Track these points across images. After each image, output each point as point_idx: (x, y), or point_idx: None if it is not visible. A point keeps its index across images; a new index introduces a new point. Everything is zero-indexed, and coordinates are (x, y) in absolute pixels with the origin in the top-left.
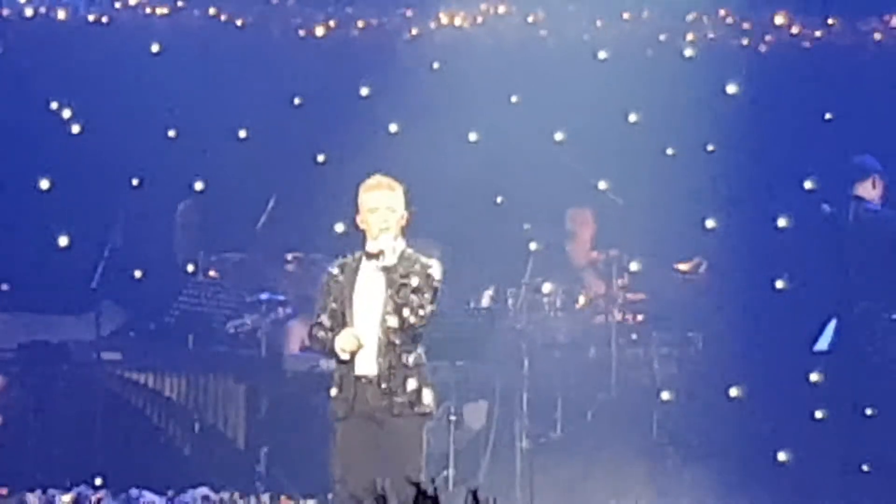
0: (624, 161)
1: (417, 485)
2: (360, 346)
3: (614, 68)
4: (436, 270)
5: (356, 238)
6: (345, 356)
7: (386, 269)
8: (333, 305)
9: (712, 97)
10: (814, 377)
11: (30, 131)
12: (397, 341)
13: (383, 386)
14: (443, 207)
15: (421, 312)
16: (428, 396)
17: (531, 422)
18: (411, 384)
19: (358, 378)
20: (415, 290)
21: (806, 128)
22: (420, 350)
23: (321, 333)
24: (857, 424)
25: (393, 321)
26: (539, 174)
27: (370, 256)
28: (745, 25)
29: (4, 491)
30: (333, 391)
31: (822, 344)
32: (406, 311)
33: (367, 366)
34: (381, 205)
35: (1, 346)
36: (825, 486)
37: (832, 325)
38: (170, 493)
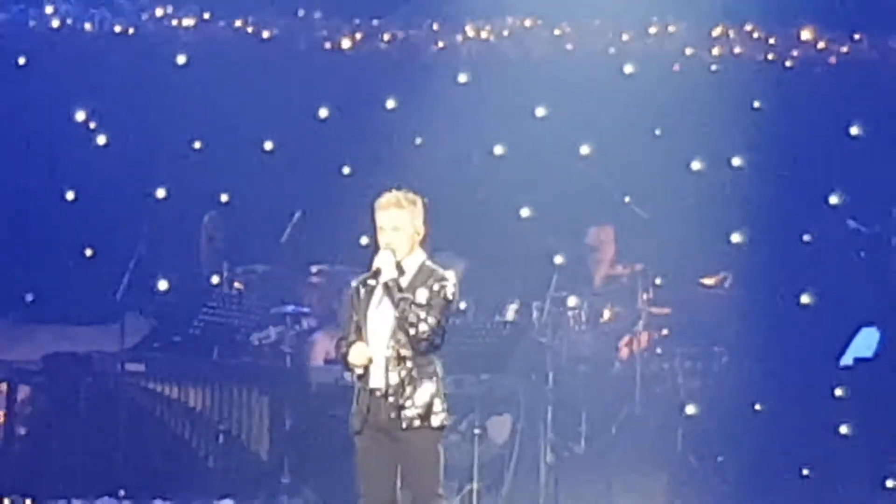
0: (649, 175)
1: None
2: (369, 360)
3: (640, 82)
4: (449, 285)
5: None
6: (357, 370)
7: (387, 286)
8: (356, 319)
9: (738, 112)
10: (839, 392)
11: (55, 142)
12: (407, 355)
13: (391, 400)
14: (467, 221)
15: (423, 327)
16: (440, 411)
17: (556, 436)
18: (422, 398)
19: (371, 392)
20: (421, 305)
21: (832, 143)
22: (436, 363)
23: (344, 347)
24: (882, 440)
25: (401, 336)
26: (565, 188)
27: (374, 274)
28: (772, 40)
29: (28, 501)
30: (353, 405)
31: (848, 358)
32: (411, 327)
33: (378, 379)
34: (387, 225)
35: (25, 356)
36: (849, 501)
37: (859, 337)
38: None
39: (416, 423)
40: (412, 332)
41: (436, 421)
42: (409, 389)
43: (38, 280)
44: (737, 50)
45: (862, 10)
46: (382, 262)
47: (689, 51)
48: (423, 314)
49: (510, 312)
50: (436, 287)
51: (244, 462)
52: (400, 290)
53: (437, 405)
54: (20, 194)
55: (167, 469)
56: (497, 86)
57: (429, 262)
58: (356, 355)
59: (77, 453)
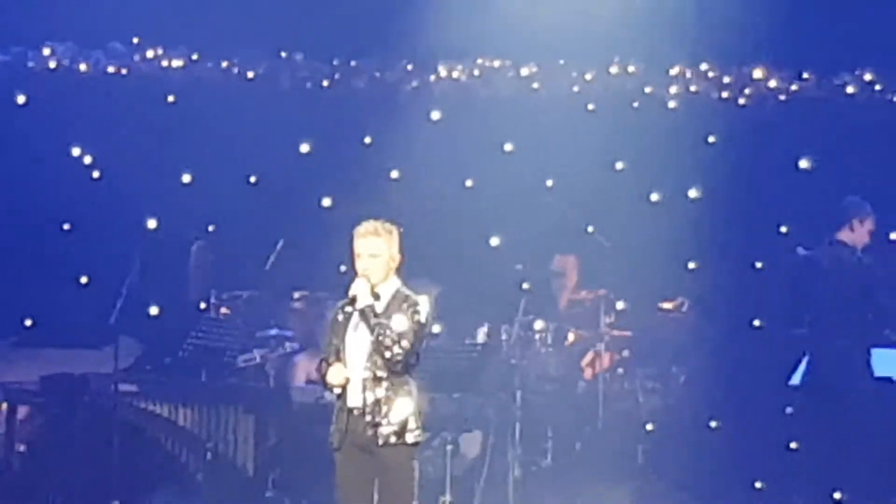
0: (611, 206)
1: None
2: (347, 380)
3: (602, 119)
4: (422, 310)
5: None
6: (336, 390)
7: (363, 312)
8: (335, 342)
9: (694, 146)
10: (789, 410)
11: (53, 176)
12: (383, 376)
13: (368, 418)
14: (440, 249)
15: (398, 350)
16: (414, 428)
17: (523, 451)
18: (398, 416)
19: (350, 410)
20: (395, 330)
21: (782, 175)
22: (411, 383)
23: (324, 368)
24: (830, 455)
25: (377, 358)
26: (531, 218)
27: (350, 301)
28: (726, 79)
29: None
30: (332, 423)
31: (797, 378)
32: (386, 350)
33: (356, 398)
34: (364, 252)
35: (24, 378)
36: None
37: (805, 360)
38: None
39: (392, 439)
40: (388, 354)
41: (410, 438)
42: (385, 408)
43: (37, 306)
44: (693, 88)
45: (810, 50)
46: (358, 289)
47: (647, 89)
48: (397, 338)
49: (480, 335)
50: (410, 312)
51: (231, 477)
52: (375, 315)
53: (412, 423)
54: (19, 224)
55: (158, 484)
56: (468, 122)
57: (403, 288)
58: (334, 375)
59: (73, 469)
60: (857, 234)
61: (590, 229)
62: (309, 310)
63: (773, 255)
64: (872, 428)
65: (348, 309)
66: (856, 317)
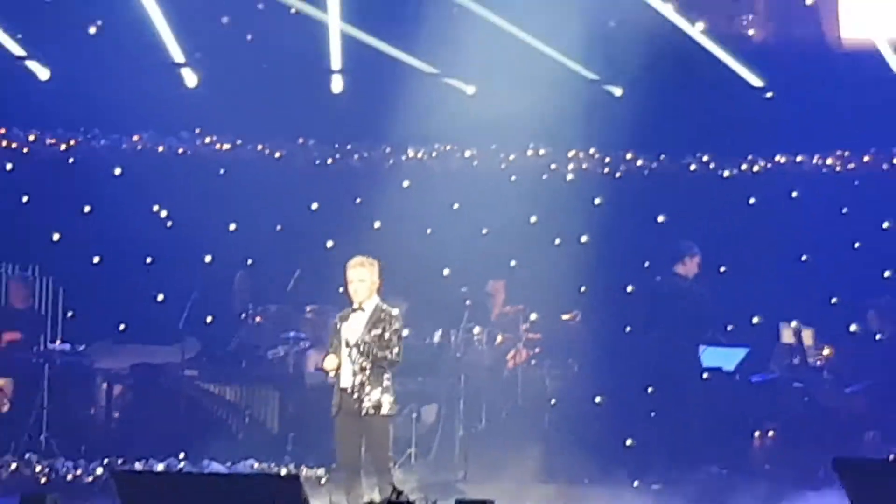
0: (527, 248)
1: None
2: (338, 366)
3: (521, 187)
4: (398, 320)
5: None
6: (331, 373)
7: (357, 346)
8: (335, 342)
9: (585, 206)
10: (650, 390)
11: (140, 225)
12: (367, 366)
13: (355, 395)
14: (408, 276)
15: (390, 357)
16: (388, 403)
17: (466, 418)
18: (376, 395)
19: (343, 389)
20: (380, 337)
21: (646, 226)
22: (388, 371)
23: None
24: (682, 422)
25: (365, 354)
26: (472, 255)
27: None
28: (607, 159)
29: (120, 461)
30: (333, 398)
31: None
32: (382, 360)
33: (346, 381)
34: (354, 278)
35: (119, 365)
36: (659, 464)
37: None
38: (228, 463)
39: (372, 411)
40: (380, 354)
41: (386, 409)
42: (367, 388)
43: (128, 315)
44: (584, 166)
45: (665, 138)
46: (347, 325)
47: (553, 166)
48: (385, 350)
49: (436, 337)
50: (390, 321)
51: (262, 435)
52: (364, 344)
53: (387, 399)
54: (115, 259)
55: (211, 439)
56: (428, 189)
57: (381, 304)
58: (328, 363)
59: (152, 429)
60: (688, 267)
61: (512, 263)
62: (317, 319)
63: (639, 282)
64: (705, 403)
65: (351, 317)
66: (690, 324)
